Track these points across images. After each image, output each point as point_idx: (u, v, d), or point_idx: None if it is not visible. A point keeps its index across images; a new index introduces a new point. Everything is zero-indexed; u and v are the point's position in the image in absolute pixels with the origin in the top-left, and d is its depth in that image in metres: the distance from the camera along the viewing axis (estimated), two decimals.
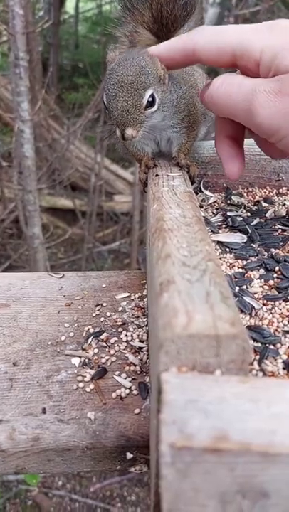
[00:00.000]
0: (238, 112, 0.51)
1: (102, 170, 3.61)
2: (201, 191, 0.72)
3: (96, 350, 0.56)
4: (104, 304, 0.63)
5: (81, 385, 0.51)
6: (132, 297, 0.65)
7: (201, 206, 0.68)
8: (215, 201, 0.70)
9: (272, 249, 0.57)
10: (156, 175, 0.60)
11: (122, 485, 2.23)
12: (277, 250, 0.57)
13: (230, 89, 0.51)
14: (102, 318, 0.61)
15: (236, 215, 0.65)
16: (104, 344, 0.56)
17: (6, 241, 3.54)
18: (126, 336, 0.58)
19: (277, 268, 0.53)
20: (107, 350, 0.56)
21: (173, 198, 0.51)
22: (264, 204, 0.69)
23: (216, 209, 0.68)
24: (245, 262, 0.55)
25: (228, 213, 0.65)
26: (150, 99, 0.57)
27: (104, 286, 0.67)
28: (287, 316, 0.47)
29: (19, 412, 0.49)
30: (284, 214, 0.66)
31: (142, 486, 2.24)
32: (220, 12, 3.65)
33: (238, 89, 0.50)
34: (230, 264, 0.55)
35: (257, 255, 0.56)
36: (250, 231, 0.60)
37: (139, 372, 0.53)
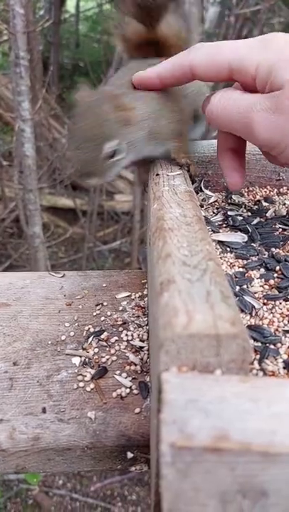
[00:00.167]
0: (237, 129, 0.52)
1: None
2: (201, 190, 0.72)
3: (96, 350, 0.56)
4: (105, 304, 0.63)
5: (81, 384, 0.51)
6: (133, 296, 0.65)
7: (202, 205, 0.68)
8: (215, 200, 0.70)
9: (273, 249, 0.57)
10: (157, 174, 0.60)
11: (122, 484, 2.24)
12: (277, 250, 0.57)
13: (228, 106, 0.52)
14: (102, 318, 0.61)
15: (237, 215, 0.65)
16: (104, 343, 0.56)
17: (6, 240, 3.54)
18: (126, 335, 0.58)
19: (277, 267, 0.53)
20: (107, 349, 0.56)
21: (173, 198, 0.51)
22: (264, 203, 0.69)
23: (217, 208, 0.67)
24: (245, 262, 0.54)
25: (229, 213, 0.65)
26: (111, 151, 0.56)
27: (104, 285, 0.67)
28: (287, 316, 0.47)
29: (19, 412, 0.49)
30: (284, 213, 0.66)
31: (143, 485, 2.24)
32: (220, 11, 3.64)
33: (237, 107, 0.51)
34: (231, 263, 0.55)
35: (257, 255, 0.56)
36: (250, 230, 0.60)
37: (139, 372, 0.53)
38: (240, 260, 0.55)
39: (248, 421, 0.25)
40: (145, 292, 0.65)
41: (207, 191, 0.72)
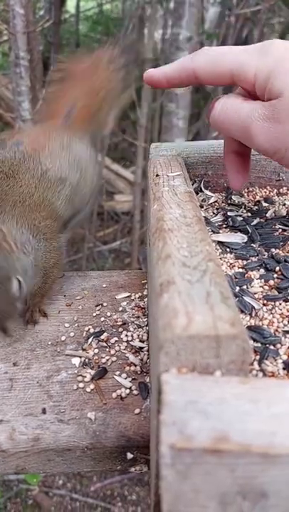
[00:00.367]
0: (238, 136, 0.53)
1: (102, 169, 3.61)
2: (201, 191, 0.72)
3: (96, 350, 0.56)
4: (105, 304, 0.63)
5: (81, 385, 0.51)
6: (133, 297, 0.65)
7: (202, 206, 0.68)
8: (215, 201, 0.70)
9: (273, 249, 0.57)
10: (157, 175, 0.60)
11: (122, 484, 2.23)
12: (277, 250, 0.57)
13: (229, 113, 0.53)
14: (102, 318, 0.61)
15: (237, 215, 0.65)
16: (104, 344, 0.56)
17: None
18: (126, 335, 0.58)
19: (277, 268, 0.53)
20: (107, 350, 0.56)
21: (173, 198, 0.51)
22: (264, 204, 0.69)
23: (217, 209, 0.67)
24: (245, 262, 0.54)
25: (229, 213, 0.65)
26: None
27: (104, 286, 0.67)
28: (287, 317, 0.47)
29: (19, 413, 0.49)
30: (284, 214, 0.66)
31: (143, 485, 2.24)
32: (221, 11, 3.64)
33: (237, 115, 0.52)
34: (231, 264, 0.54)
35: (257, 255, 0.56)
36: (250, 231, 0.60)
37: (139, 373, 0.53)
38: (240, 261, 0.55)
39: (247, 422, 0.25)
40: (145, 293, 0.65)
41: (207, 192, 0.72)
